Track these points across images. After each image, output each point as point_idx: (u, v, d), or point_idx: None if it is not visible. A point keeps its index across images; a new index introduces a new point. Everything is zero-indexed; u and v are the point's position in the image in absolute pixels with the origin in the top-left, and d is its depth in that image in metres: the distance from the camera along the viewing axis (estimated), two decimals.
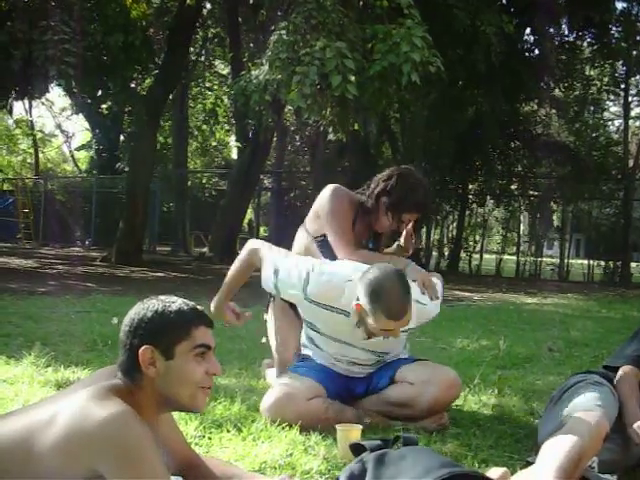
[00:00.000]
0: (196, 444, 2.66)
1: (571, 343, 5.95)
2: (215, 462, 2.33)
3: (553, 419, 2.54)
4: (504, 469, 2.25)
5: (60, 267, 13.29)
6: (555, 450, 2.17)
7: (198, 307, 1.96)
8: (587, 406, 2.40)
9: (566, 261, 19.34)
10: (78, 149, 32.72)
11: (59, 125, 35.86)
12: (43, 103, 29.93)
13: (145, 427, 1.72)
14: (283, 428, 2.89)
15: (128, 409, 1.72)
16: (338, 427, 2.70)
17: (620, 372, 2.77)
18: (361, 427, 2.68)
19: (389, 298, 2.80)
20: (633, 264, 18.94)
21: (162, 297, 1.95)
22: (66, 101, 30.87)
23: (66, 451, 1.69)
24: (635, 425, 2.45)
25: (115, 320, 5.81)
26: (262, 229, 24.74)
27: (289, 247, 3.67)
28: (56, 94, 35.97)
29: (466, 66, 13.83)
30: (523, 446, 2.85)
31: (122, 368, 1.89)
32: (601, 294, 12.70)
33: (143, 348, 1.83)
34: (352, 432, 2.61)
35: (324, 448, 2.68)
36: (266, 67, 9.17)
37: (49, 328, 5.32)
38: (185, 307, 1.92)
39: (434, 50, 9.19)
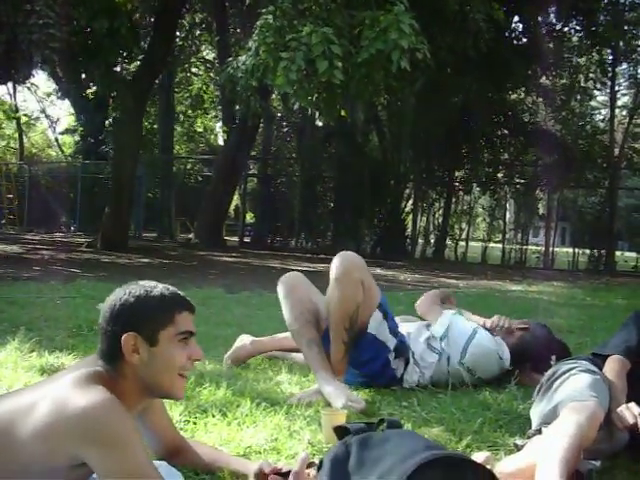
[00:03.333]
0: (181, 429, 2.65)
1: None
2: (201, 446, 2.34)
3: (547, 407, 2.55)
4: (487, 454, 2.26)
5: (45, 253, 13.22)
6: (556, 442, 2.17)
7: (180, 292, 1.94)
8: (582, 396, 2.41)
9: (551, 249, 19.44)
10: (62, 133, 32.47)
11: (44, 110, 35.53)
12: (28, 88, 29.67)
13: (127, 414, 1.71)
14: (268, 413, 2.89)
15: (110, 396, 1.71)
16: (323, 411, 2.70)
17: (608, 361, 2.79)
18: (346, 412, 2.69)
19: None
20: (618, 252, 19.09)
21: (142, 282, 1.93)
22: (50, 86, 30.65)
23: (48, 438, 1.69)
24: (618, 409, 2.46)
25: (100, 306, 5.78)
26: (248, 216, 24.66)
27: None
28: (41, 79, 35.76)
29: (454, 53, 13.81)
30: (507, 431, 2.86)
31: (103, 355, 1.88)
32: (586, 282, 12.78)
33: (126, 335, 1.82)
34: (337, 417, 2.61)
35: (309, 432, 2.69)
36: (252, 51, 9.12)
37: (34, 313, 5.28)
38: (167, 292, 1.91)
39: (422, 37, 9.17)
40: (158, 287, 1.92)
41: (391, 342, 3.54)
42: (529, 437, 2.59)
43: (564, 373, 2.65)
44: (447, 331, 3.75)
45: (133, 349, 1.83)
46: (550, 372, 2.75)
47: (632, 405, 2.45)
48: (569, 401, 2.40)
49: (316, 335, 3.44)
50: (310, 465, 1.98)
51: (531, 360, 3.74)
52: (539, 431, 2.52)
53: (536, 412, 2.66)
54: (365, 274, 3.44)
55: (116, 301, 1.88)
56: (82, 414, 1.65)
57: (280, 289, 3.58)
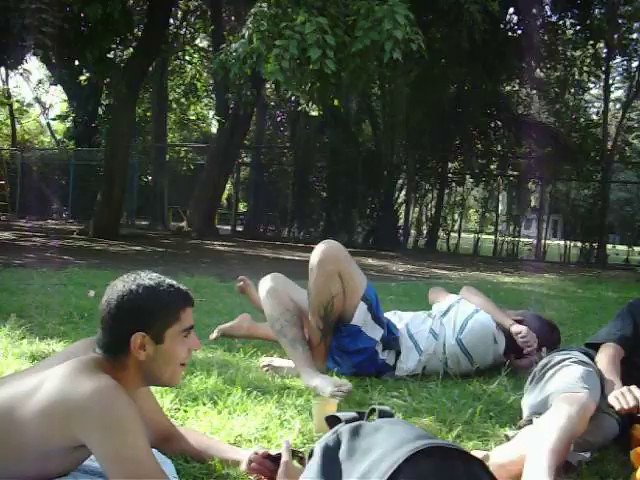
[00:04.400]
0: (172, 417, 2.66)
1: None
2: (192, 434, 2.35)
3: (538, 397, 2.56)
4: (485, 453, 2.27)
5: (37, 240, 13.18)
6: (546, 433, 2.18)
7: (182, 287, 1.96)
8: (573, 388, 2.42)
9: (543, 241, 19.48)
10: (55, 120, 32.29)
11: (37, 98, 35.32)
12: (21, 74, 29.47)
13: (130, 400, 1.75)
14: (259, 402, 2.90)
15: (114, 382, 1.75)
16: (314, 401, 2.70)
17: (602, 347, 2.80)
18: (337, 401, 2.70)
19: None
20: (609, 245, 19.14)
21: (147, 276, 1.93)
22: (43, 72, 30.47)
23: (50, 421, 1.72)
24: (611, 394, 2.48)
25: (92, 293, 5.78)
26: (241, 205, 24.63)
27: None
28: (34, 66, 35.53)
29: (449, 44, 13.80)
30: (497, 422, 2.88)
31: (106, 348, 1.89)
32: (577, 274, 12.82)
33: (135, 336, 1.84)
34: (328, 406, 2.62)
35: (300, 421, 2.69)
36: (246, 39, 9.08)
37: (25, 300, 5.26)
38: (173, 290, 1.93)
39: (416, 27, 9.14)
40: (165, 284, 1.93)
41: (378, 333, 3.56)
42: (520, 427, 2.60)
43: (557, 364, 2.66)
44: (450, 308, 3.83)
45: (141, 347, 1.86)
46: (543, 362, 2.75)
47: (633, 387, 2.45)
48: (561, 392, 2.41)
49: (297, 332, 3.49)
50: (294, 454, 2.00)
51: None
52: (530, 421, 2.53)
53: (527, 402, 2.67)
54: (344, 265, 3.45)
55: (124, 295, 1.87)
56: (88, 399, 1.69)
57: (260, 291, 3.65)
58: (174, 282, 1.96)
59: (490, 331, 3.75)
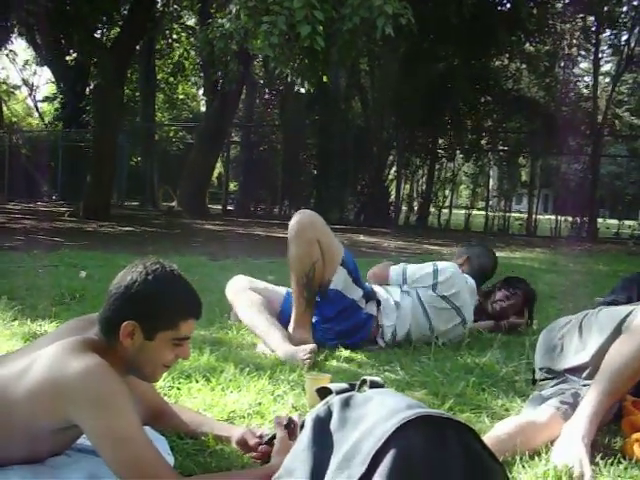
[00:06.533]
0: (165, 394, 2.66)
1: (538, 296, 6.02)
2: (185, 411, 2.36)
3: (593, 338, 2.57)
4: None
5: (27, 222, 13.12)
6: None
7: (195, 296, 1.93)
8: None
9: (534, 216, 19.52)
10: (42, 101, 32.02)
11: (24, 80, 34.95)
12: (7, 55, 29.13)
13: (120, 379, 1.75)
14: (252, 378, 2.90)
15: (104, 362, 1.74)
16: (307, 376, 2.71)
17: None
18: (329, 376, 2.70)
19: None
20: (599, 219, 19.19)
21: (168, 272, 1.90)
22: (29, 53, 30.14)
23: (40, 400, 1.73)
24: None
25: (83, 274, 5.78)
26: (232, 184, 24.54)
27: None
28: (21, 47, 35.14)
29: (437, 19, 13.72)
30: (489, 394, 2.89)
31: (101, 325, 1.89)
32: (568, 249, 12.86)
33: (127, 323, 1.83)
34: (320, 380, 2.61)
35: (293, 397, 2.70)
36: (233, 15, 8.98)
37: (16, 282, 5.25)
38: (183, 296, 1.91)
39: (405, 2, 9.06)
40: (180, 286, 1.91)
41: (358, 293, 3.68)
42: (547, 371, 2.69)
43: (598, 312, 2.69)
44: (404, 272, 3.90)
45: (129, 335, 1.85)
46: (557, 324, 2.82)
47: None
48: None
49: (269, 319, 3.59)
50: (288, 424, 2.02)
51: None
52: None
53: (571, 349, 2.67)
54: (322, 232, 3.55)
55: (136, 281, 1.85)
56: (78, 378, 1.69)
57: (227, 294, 3.85)
58: (191, 287, 1.93)
59: (457, 270, 3.91)
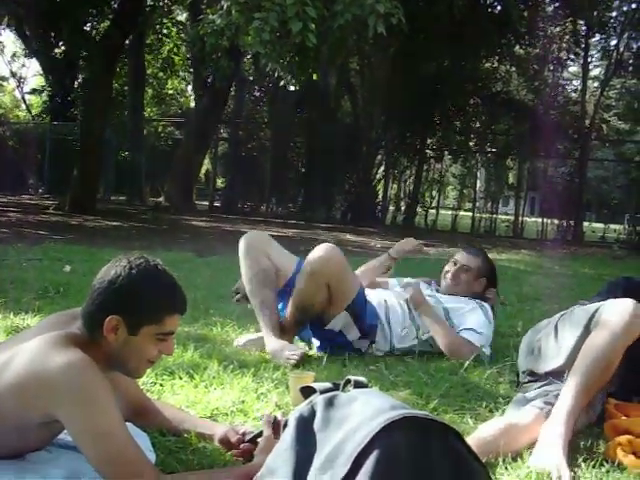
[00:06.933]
0: (148, 390, 2.65)
1: (523, 297, 6.05)
2: (168, 408, 2.34)
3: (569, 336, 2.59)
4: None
5: (12, 215, 13.03)
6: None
7: (179, 291, 1.92)
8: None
9: (521, 218, 19.60)
10: (30, 93, 31.79)
11: (12, 72, 34.70)
12: None
13: (102, 375, 1.74)
14: (236, 375, 2.89)
15: (86, 357, 1.73)
16: (291, 374, 2.70)
17: None
18: (313, 374, 2.69)
19: None
20: (585, 223, 19.29)
21: (152, 266, 1.89)
22: (18, 45, 29.91)
23: (22, 395, 1.71)
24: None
25: (68, 268, 5.74)
26: (219, 180, 24.47)
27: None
28: (9, 39, 34.87)
29: (429, 19, 13.72)
30: (473, 395, 2.89)
31: (85, 319, 1.87)
32: (554, 251, 12.91)
33: (111, 317, 1.82)
34: (304, 379, 2.61)
35: (276, 395, 2.69)
36: (224, 11, 8.95)
37: (0, 275, 5.21)
38: (169, 292, 1.89)
39: (396, 2, 9.06)
40: (165, 281, 1.90)
41: (354, 334, 3.57)
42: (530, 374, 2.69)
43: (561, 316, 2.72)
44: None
45: (112, 330, 1.83)
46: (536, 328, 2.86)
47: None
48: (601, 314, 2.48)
49: (268, 296, 3.53)
50: (271, 422, 2.01)
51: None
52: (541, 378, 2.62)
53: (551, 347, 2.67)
54: (336, 276, 3.43)
55: (120, 275, 1.84)
56: (59, 373, 1.67)
57: (240, 247, 3.66)
58: (175, 283, 1.92)
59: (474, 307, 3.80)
